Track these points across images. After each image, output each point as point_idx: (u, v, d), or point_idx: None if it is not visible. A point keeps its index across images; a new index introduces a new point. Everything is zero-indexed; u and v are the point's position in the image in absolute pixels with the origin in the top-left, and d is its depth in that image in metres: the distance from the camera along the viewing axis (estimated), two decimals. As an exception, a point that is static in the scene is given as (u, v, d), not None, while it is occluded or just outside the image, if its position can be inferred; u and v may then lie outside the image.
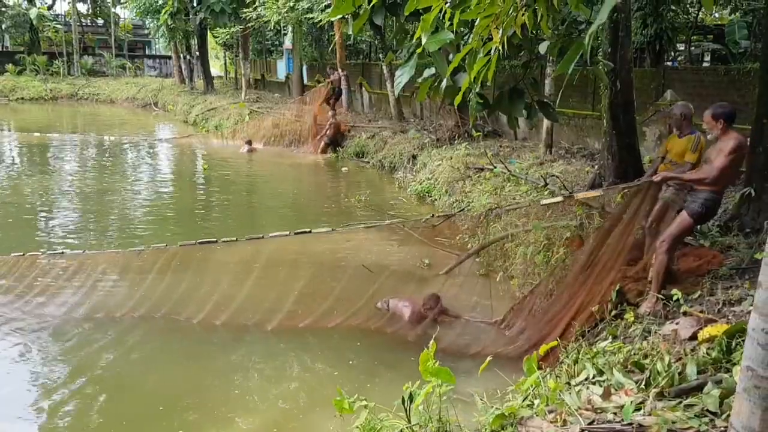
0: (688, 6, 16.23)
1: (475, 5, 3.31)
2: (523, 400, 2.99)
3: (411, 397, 2.66)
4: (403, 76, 5.03)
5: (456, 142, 13.49)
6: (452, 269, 7.12)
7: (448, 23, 3.63)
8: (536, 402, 2.92)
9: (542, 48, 5.20)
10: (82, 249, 7.98)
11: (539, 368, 3.53)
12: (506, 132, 14.14)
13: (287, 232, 6.42)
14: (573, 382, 3.38)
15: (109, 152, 19.37)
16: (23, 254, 7.01)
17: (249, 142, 18.28)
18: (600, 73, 6.83)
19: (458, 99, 4.20)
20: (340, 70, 20.51)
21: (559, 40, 5.15)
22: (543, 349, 3.28)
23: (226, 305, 6.33)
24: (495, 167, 10.14)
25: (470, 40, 3.75)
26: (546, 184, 8.78)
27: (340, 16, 5.16)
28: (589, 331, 4.77)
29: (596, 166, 9.28)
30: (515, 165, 10.68)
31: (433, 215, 7.96)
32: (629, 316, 4.44)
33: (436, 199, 11.30)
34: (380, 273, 6.92)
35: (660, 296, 4.54)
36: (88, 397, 5.06)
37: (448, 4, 3.48)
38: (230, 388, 5.14)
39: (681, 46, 19.72)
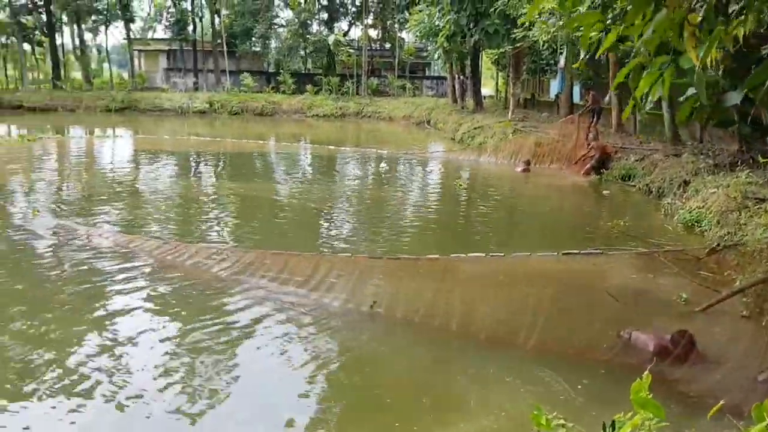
0: None
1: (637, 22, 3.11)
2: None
3: (613, 426, 2.57)
4: (657, 94, 4.75)
5: (738, 168, 12.13)
6: (711, 306, 6.47)
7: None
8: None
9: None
10: (351, 253, 8.87)
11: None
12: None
13: (527, 254, 6.45)
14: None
15: (385, 165, 21.16)
16: (313, 253, 8.12)
17: (527, 162, 18.41)
18: None
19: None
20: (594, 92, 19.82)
21: None
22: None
23: (470, 315, 6.58)
24: (780, 198, 8.93)
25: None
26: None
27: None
28: None
29: None
30: (809, 197, 9.28)
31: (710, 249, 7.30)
32: None
33: (705, 230, 10.30)
34: (626, 302, 6.58)
35: None
36: (342, 377, 5.69)
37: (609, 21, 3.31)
38: (458, 392, 5.36)
39: None
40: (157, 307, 7.23)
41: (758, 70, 4.09)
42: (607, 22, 4.10)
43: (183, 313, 7.06)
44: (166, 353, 6.04)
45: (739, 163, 12.45)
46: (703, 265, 8.06)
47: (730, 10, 3.71)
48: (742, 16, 3.82)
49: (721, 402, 3.17)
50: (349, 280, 7.63)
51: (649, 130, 19.63)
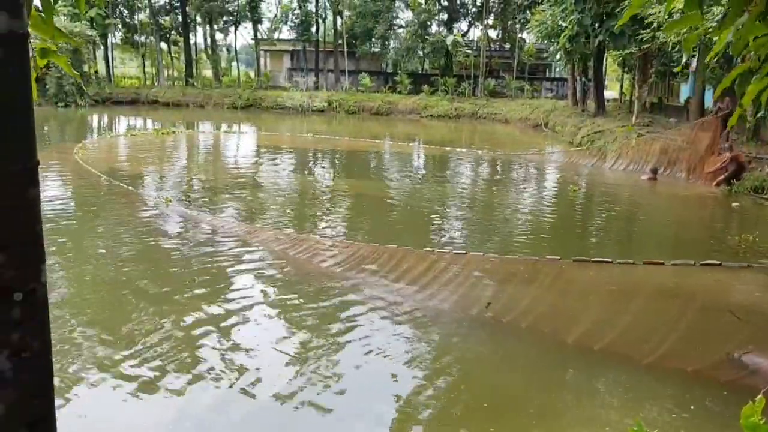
0: None
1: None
2: None
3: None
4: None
5: None
6: None
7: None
8: None
9: None
10: (465, 251, 8.87)
11: None
12: None
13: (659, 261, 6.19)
14: None
15: (499, 167, 20.92)
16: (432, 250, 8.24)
17: (654, 171, 17.58)
18: None
19: None
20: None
21: None
22: None
23: (582, 324, 6.42)
24: None
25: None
26: None
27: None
28: None
29: None
30: None
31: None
32: None
33: None
34: (750, 321, 6.15)
35: None
36: (447, 379, 5.73)
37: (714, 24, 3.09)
38: (557, 404, 5.25)
39: None
40: (270, 297, 7.60)
41: None
42: (712, 25, 3.89)
43: (295, 303, 7.37)
44: (274, 342, 6.31)
45: None
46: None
47: None
48: None
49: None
50: (462, 280, 7.65)
51: (789, 139, 18.16)
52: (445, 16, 49.94)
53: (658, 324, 6.33)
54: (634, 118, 25.81)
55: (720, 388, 5.34)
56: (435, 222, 12.39)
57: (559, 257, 7.49)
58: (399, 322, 6.88)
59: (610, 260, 7.03)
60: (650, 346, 5.90)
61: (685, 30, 16.87)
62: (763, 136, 19.20)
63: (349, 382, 5.62)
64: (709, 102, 24.43)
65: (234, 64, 53.64)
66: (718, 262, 7.19)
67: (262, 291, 7.81)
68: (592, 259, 7.17)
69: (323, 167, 20.45)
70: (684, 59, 20.93)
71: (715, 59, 16.33)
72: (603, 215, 13.50)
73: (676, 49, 21.40)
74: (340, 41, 46.21)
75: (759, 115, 18.18)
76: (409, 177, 18.72)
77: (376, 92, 44.11)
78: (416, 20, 46.05)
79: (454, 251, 8.57)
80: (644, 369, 5.73)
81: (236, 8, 48.16)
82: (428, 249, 8.55)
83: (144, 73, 48.88)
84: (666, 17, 17.42)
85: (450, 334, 6.68)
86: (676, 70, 23.90)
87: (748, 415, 2.59)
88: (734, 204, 14.06)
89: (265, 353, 6.05)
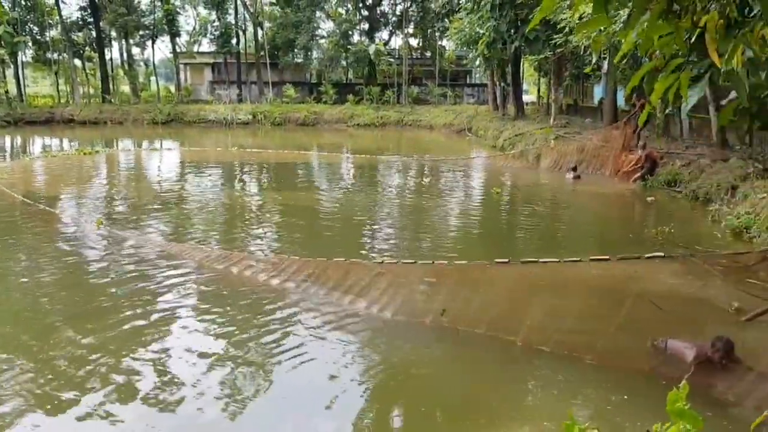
0: None
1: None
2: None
3: (650, 435, 2.57)
4: (692, 98, 4.69)
5: (789, 172, 11.80)
6: (758, 316, 6.30)
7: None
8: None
9: None
10: (396, 259, 8.95)
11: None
12: None
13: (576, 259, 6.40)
14: None
15: (426, 172, 21.20)
16: (344, 260, 8.22)
17: (575, 170, 18.10)
18: None
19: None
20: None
21: None
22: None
23: (507, 321, 6.57)
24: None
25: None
26: None
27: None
28: None
29: None
30: None
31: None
32: None
33: (754, 237, 10.04)
34: (671, 311, 6.47)
35: None
36: (389, 387, 5.74)
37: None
38: (482, 399, 5.36)
39: None
40: (201, 315, 7.42)
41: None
42: (618, 27, 4.10)
43: (227, 319, 7.22)
44: (207, 360, 6.17)
45: (790, 168, 12.11)
46: (752, 274, 7.85)
47: (752, 12, 3.65)
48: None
49: (766, 413, 3.12)
50: (397, 288, 7.68)
51: (696, 134, 19.21)
52: (366, 26, 50.28)
53: (591, 319, 6.55)
54: (552, 120, 26.74)
55: (647, 376, 5.58)
56: (367, 230, 12.41)
57: (486, 262, 7.62)
58: (335, 330, 6.86)
59: (557, 260, 7.19)
60: (584, 341, 6.10)
61: (594, 32, 17.66)
62: (672, 132, 20.26)
63: (283, 394, 5.58)
64: (621, 102, 25.58)
65: (153, 78, 52.25)
66: (662, 254, 7.50)
67: (192, 307, 7.64)
68: (540, 260, 7.30)
69: (251, 181, 20.16)
70: (594, 60, 21.82)
71: (624, 60, 17.14)
72: (528, 215, 13.88)
73: (588, 52, 22.34)
74: (262, 53, 45.77)
75: (667, 111, 19.19)
76: (340, 186, 18.72)
77: (301, 103, 43.90)
78: (338, 30, 46.19)
79: (389, 260, 8.63)
80: (579, 364, 5.91)
81: (153, 22, 46.96)
82: (362, 259, 8.57)
83: (58, 91, 46.78)
84: (576, 21, 18.18)
85: (389, 342, 6.70)
86: (586, 71, 24.91)
87: (673, 401, 2.72)
88: (649, 198, 14.75)
89: (197, 368, 5.94)
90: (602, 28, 18.67)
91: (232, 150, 27.27)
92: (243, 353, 6.31)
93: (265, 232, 12.08)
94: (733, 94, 5.10)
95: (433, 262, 7.77)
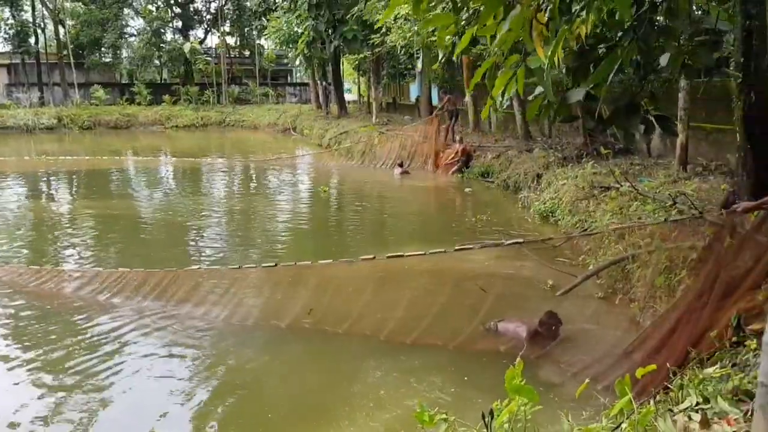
0: None
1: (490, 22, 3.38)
2: (609, 423, 2.93)
3: (492, 414, 2.71)
4: (505, 95, 5.06)
5: (584, 160, 13.13)
6: (569, 291, 6.97)
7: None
8: (623, 426, 2.85)
9: (663, 60, 5.01)
10: (225, 264, 8.68)
11: (643, 394, 3.41)
12: (639, 149, 13.53)
13: (393, 253, 6.60)
14: (675, 410, 3.25)
15: (252, 174, 20.79)
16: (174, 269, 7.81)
17: (401, 165, 18.63)
18: (730, 84, 6.46)
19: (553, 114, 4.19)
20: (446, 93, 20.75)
21: (681, 52, 4.94)
22: (640, 372, 3.16)
23: (345, 316, 6.64)
24: (621, 186, 9.77)
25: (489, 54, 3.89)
26: (674, 203, 8.34)
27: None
28: (708, 360, 4.51)
29: (731, 184, 8.69)
30: (645, 183, 10.22)
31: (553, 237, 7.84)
32: (751, 343, 4.16)
33: (559, 219, 11.06)
34: (494, 293, 6.92)
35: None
36: (221, 395, 5.53)
37: (464, 23, 3.59)
38: (333, 393, 5.40)
39: None
40: (18, 335, 6.72)
41: (598, 68, 4.47)
42: (462, 24, 4.31)
43: (44, 338, 6.61)
44: (29, 380, 5.68)
45: (584, 156, 13.47)
46: (560, 253, 8.67)
47: (573, 10, 4.01)
48: (584, 15, 4.15)
49: (587, 381, 3.44)
50: (230, 294, 7.47)
51: (503, 128, 20.76)
52: (179, 24, 48.19)
53: (418, 308, 6.80)
54: (374, 117, 27.49)
55: (482, 357, 5.92)
56: (193, 236, 11.92)
57: (309, 262, 7.62)
58: (164, 341, 6.54)
59: (422, 252, 7.31)
60: (417, 330, 6.33)
61: (410, 34, 18.39)
62: (483, 127, 21.73)
63: (120, 407, 5.27)
64: (435, 100, 26.98)
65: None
66: (471, 246, 7.92)
67: (5, 329, 6.88)
68: (407, 254, 7.38)
69: (61, 191, 18.47)
70: (419, 63, 22.71)
71: (443, 59, 18.08)
72: (356, 212, 14.16)
73: (403, 51, 23.25)
74: (65, 52, 41.97)
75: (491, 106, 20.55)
76: (160, 192, 17.77)
77: (112, 105, 41.08)
78: (149, 28, 43.80)
79: (213, 265, 8.37)
80: (419, 351, 6.12)
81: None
82: (189, 266, 8.21)
83: None
84: (393, 22, 18.80)
85: (227, 347, 6.50)
86: (434, 67, 25.66)
87: (510, 378, 2.90)
88: (467, 189, 15.71)
89: (21, 390, 5.41)
90: (416, 28, 19.57)
91: (36, 158, 24.78)
92: (71, 376, 5.76)
93: (81, 244, 11.13)
94: (538, 90, 5.58)
95: (295, 263, 7.60)
